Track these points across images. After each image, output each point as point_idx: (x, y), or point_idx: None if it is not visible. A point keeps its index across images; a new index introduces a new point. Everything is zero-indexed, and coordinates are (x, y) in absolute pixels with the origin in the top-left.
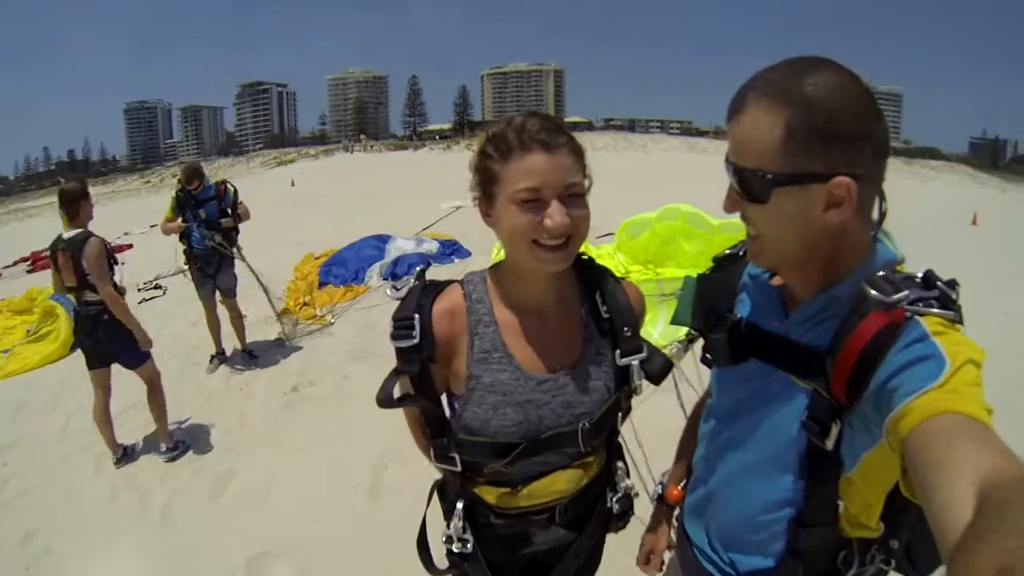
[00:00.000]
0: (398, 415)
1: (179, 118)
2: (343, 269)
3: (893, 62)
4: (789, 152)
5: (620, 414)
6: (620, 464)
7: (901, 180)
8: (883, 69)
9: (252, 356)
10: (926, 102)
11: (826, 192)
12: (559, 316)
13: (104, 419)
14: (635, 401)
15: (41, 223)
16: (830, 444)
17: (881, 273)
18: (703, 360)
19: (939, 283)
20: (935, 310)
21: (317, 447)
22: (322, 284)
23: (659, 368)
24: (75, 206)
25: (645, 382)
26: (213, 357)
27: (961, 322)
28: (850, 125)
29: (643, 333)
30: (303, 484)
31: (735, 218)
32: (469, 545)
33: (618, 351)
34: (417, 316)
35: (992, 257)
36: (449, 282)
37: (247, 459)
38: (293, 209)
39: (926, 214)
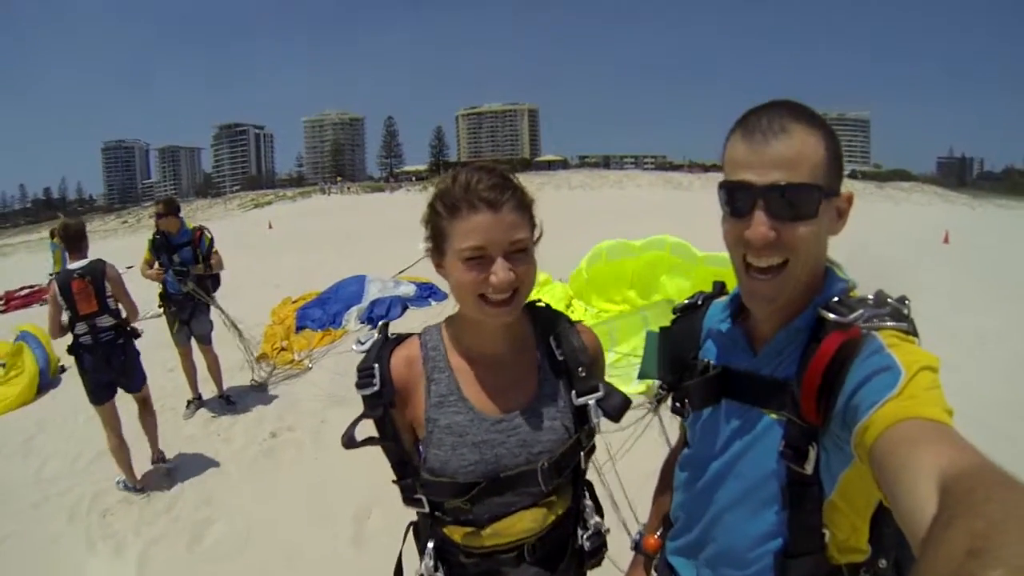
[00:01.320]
0: (380, 461)
1: (156, 158)
2: (321, 312)
3: (857, 87)
4: (830, 168)
5: (583, 453)
6: (588, 503)
7: (874, 203)
8: (848, 94)
9: (230, 401)
10: (893, 125)
11: (836, 204)
12: (513, 360)
13: (122, 449)
14: (619, 442)
15: (16, 262)
16: (809, 468)
17: (835, 299)
18: (673, 410)
19: (890, 300)
20: (888, 323)
21: (297, 494)
22: (299, 328)
23: (617, 406)
24: (82, 240)
25: (614, 422)
26: (190, 402)
27: (915, 333)
28: (841, 152)
29: (624, 364)
30: (283, 532)
31: (719, 252)
32: None
33: (574, 391)
34: (376, 365)
35: (965, 273)
36: (409, 335)
37: (225, 507)
38: (270, 251)
39: (899, 235)
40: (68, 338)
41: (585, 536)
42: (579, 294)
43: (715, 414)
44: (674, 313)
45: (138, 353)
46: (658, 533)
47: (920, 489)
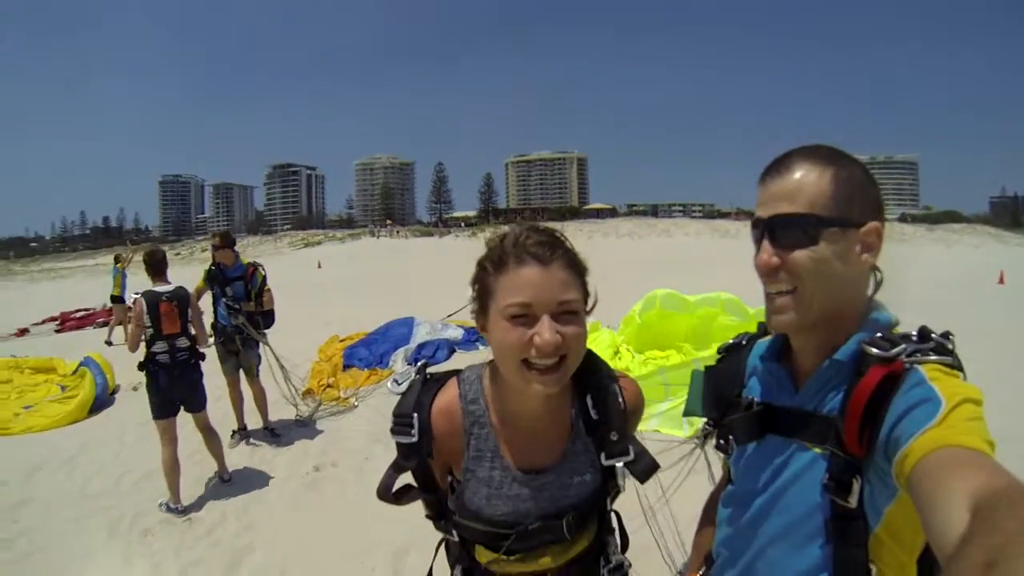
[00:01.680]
0: (419, 502)
1: (211, 194)
2: (368, 352)
3: (906, 130)
4: (836, 200)
5: (609, 499)
6: (611, 539)
7: (926, 246)
8: (896, 138)
9: (275, 434)
10: (942, 166)
11: (861, 237)
12: (549, 418)
13: (175, 468)
14: (667, 480)
15: (73, 285)
16: (853, 501)
17: (879, 335)
18: (717, 447)
19: (934, 335)
20: (932, 357)
21: (336, 528)
22: (346, 367)
23: (645, 470)
24: (165, 265)
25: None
26: (235, 432)
27: (960, 368)
28: (873, 189)
29: (676, 409)
30: (320, 564)
31: (709, 293)
32: None
33: (603, 453)
34: (416, 415)
35: (1022, 313)
36: (448, 375)
37: (265, 536)
38: (319, 290)
39: (951, 278)
40: (138, 356)
41: (608, 568)
42: (629, 340)
43: (758, 450)
44: (719, 353)
45: (202, 375)
46: (700, 572)
47: (952, 513)
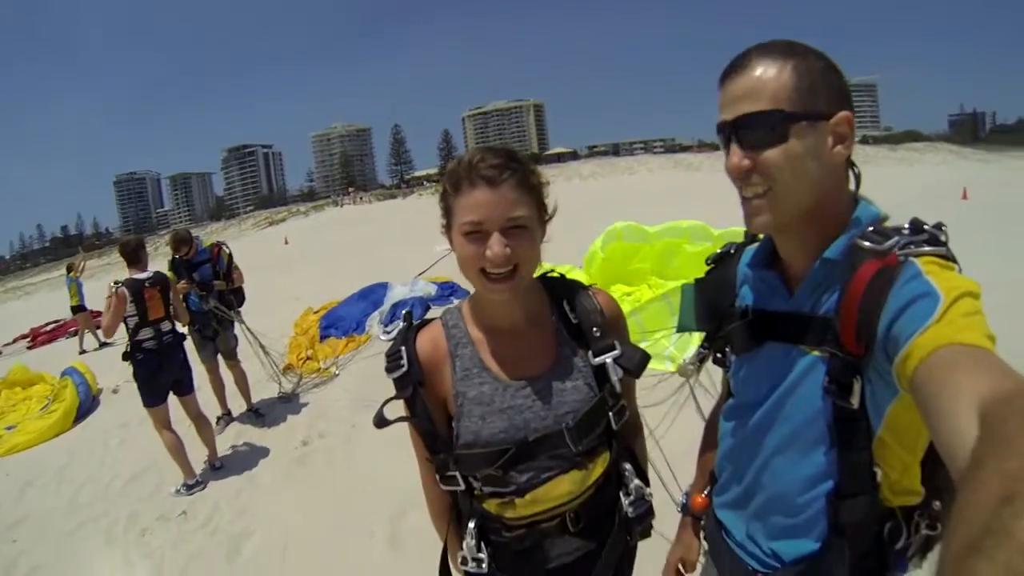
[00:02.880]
0: (413, 461)
1: (168, 187)
2: (343, 320)
3: (862, 52)
4: (800, 92)
5: (612, 414)
6: (628, 466)
7: (888, 167)
8: (853, 59)
9: (259, 414)
10: (900, 87)
11: (831, 128)
12: (530, 329)
13: (178, 445)
14: (657, 418)
15: (39, 299)
16: (855, 402)
17: (870, 229)
18: (715, 361)
19: (926, 226)
20: (926, 248)
21: (332, 499)
22: (323, 337)
23: (636, 362)
24: (139, 253)
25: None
26: (219, 418)
27: (955, 260)
28: (837, 77)
29: (657, 345)
30: (321, 537)
31: (737, 227)
32: (484, 564)
33: (590, 352)
34: (404, 348)
35: (988, 226)
36: (432, 319)
37: (262, 518)
38: (289, 266)
39: (916, 196)
40: (119, 350)
41: (628, 502)
42: (594, 276)
43: (757, 359)
44: (708, 263)
45: (187, 355)
46: (705, 492)
47: (959, 416)
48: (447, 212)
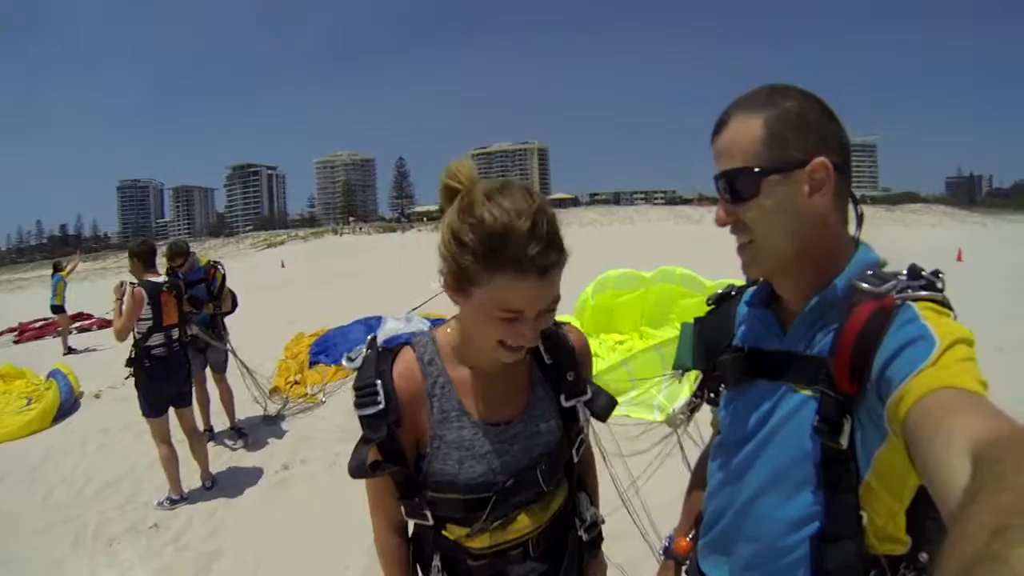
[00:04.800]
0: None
1: (170, 197)
2: (334, 348)
3: (864, 113)
4: (770, 146)
5: (574, 450)
6: (582, 495)
7: (885, 227)
8: (855, 121)
9: (242, 434)
10: (900, 148)
11: (807, 176)
12: (508, 369)
13: (172, 459)
14: (644, 467)
15: (31, 295)
16: (844, 442)
17: (869, 272)
18: (708, 401)
19: (924, 272)
20: (923, 293)
21: (308, 526)
22: (313, 363)
23: (603, 406)
24: (155, 256)
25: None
26: (201, 434)
27: (950, 307)
28: (817, 120)
29: (647, 395)
30: (293, 565)
31: (666, 267)
32: None
33: (562, 395)
34: (379, 382)
35: (980, 287)
36: (399, 345)
37: (234, 539)
38: (283, 290)
39: (911, 257)
40: (108, 361)
41: (584, 528)
42: (586, 326)
43: (746, 396)
44: (709, 304)
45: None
46: (690, 536)
47: (952, 458)
48: (466, 277)
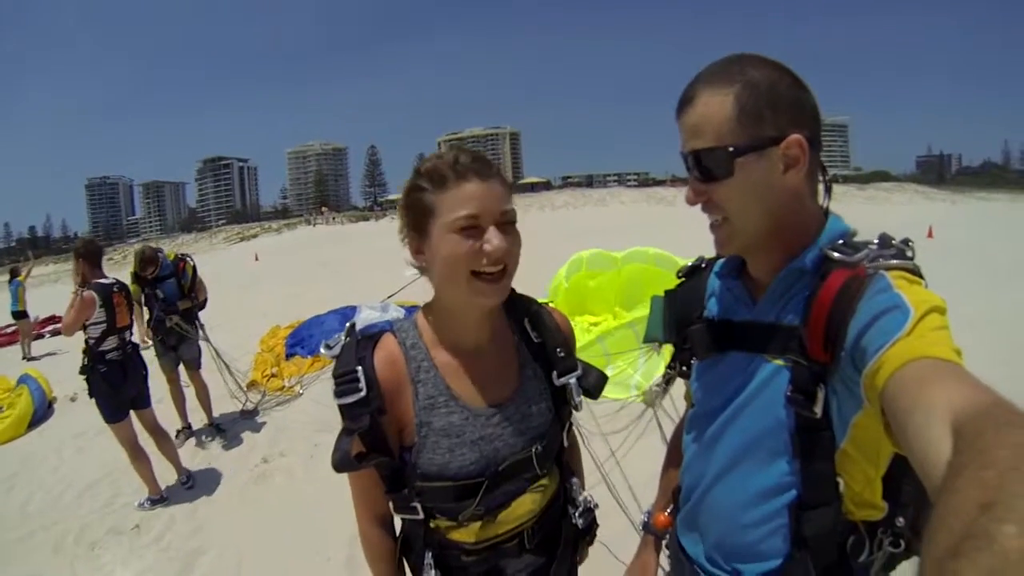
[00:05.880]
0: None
1: (141, 194)
2: (310, 340)
3: (836, 92)
4: (743, 123)
5: (564, 433)
6: (574, 480)
7: (856, 205)
8: (826, 100)
9: (220, 429)
10: (871, 127)
11: (781, 154)
12: (495, 349)
13: (143, 460)
14: (620, 443)
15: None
16: (818, 411)
17: (840, 242)
18: (681, 374)
19: (894, 242)
20: (894, 262)
21: (289, 520)
22: (289, 355)
23: (595, 382)
24: (101, 258)
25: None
26: (179, 432)
27: (921, 276)
28: (789, 92)
29: (622, 375)
30: (276, 559)
31: (638, 247)
32: None
33: (554, 372)
34: (360, 368)
35: (951, 264)
36: (380, 333)
37: (216, 536)
38: (258, 283)
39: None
40: (76, 364)
41: (577, 513)
42: (560, 307)
43: (719, 367)
44: (679, 276)
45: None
46: (668, 510)
47: (933, 430)
48: (423, 213)
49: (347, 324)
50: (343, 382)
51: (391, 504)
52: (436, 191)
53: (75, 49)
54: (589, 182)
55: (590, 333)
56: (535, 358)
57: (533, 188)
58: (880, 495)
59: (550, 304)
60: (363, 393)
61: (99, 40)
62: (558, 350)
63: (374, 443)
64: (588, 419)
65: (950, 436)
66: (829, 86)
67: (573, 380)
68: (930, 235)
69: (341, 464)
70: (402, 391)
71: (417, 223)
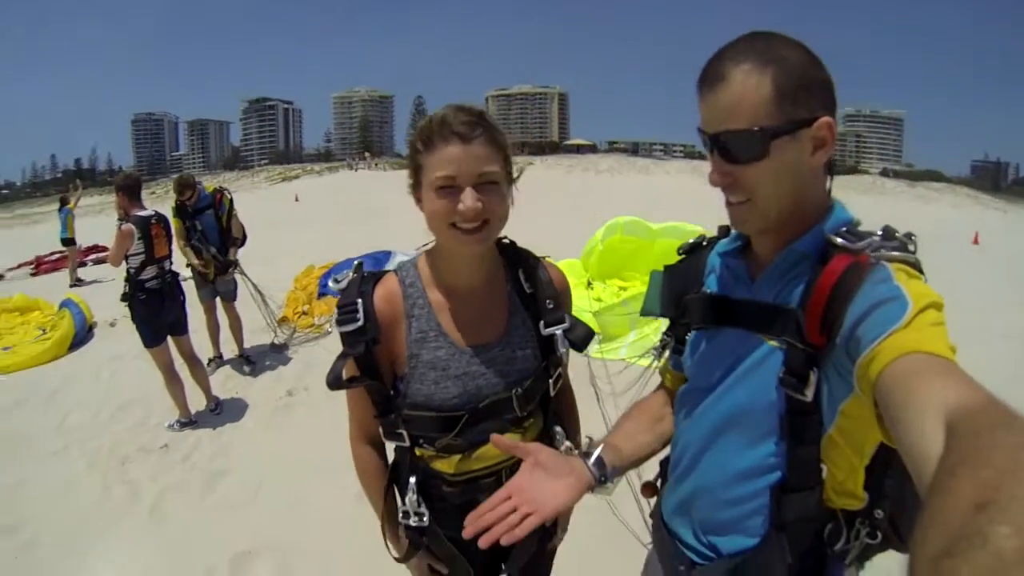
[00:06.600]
0: None
1: (185, 131)
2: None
3: (893, 84)
4: (780, 105)
5: (551, 381)
6: (558, 428)
7: (904, 202)
8: (883, 92)
9: (249, 361)
10: (928, 124)
11: (811, 136)
12: (486, 294)
13: (177, 384)
14: (609, 396)
15: (48, 229)
16: (809, 394)
17: (843, 228)
18: (675, 350)
19: (897, 234)
20: (896, 254)
21: (309, 448)
22: (321, 295)
23: (581, 336)
24: (140, 190)
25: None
26: (211, 361)
27: (921, 271)
28: (819, 73)
29: (646, 340)
30: (293, 484)
31: (674, 223)
32: (425, 518)
33: (541, 322)
34: (360, 301)
35: (993, 273)
36: (384, 272)
37: (239, 459)
38: (297, 224)
39: (927, 234)
40: (119, 291)
41: None
42: (592, 269)
43: (713, 343)
44: (679, 253)
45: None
46: (656, 479)
47: (925, 425)
48: (417, 170)
49: (355, 262)
50: (344, 312)
51: (381, 429)
52: (424, 151)
53: None
54: (635, 149)
55: (618, 296)
56: (525, 307)
57: (579, 150)
58: (861, 486)
59: (549, 260)
60: (360, 323)
61: None
62: (548, 302)
63: (367, 368)
64: (605, 381)
65: (942, 432)
66: (888, 72)
67: (559, 331)
68: (975, 241)
69: (334, 382)
70: (397, 324)
71: (414, 177)
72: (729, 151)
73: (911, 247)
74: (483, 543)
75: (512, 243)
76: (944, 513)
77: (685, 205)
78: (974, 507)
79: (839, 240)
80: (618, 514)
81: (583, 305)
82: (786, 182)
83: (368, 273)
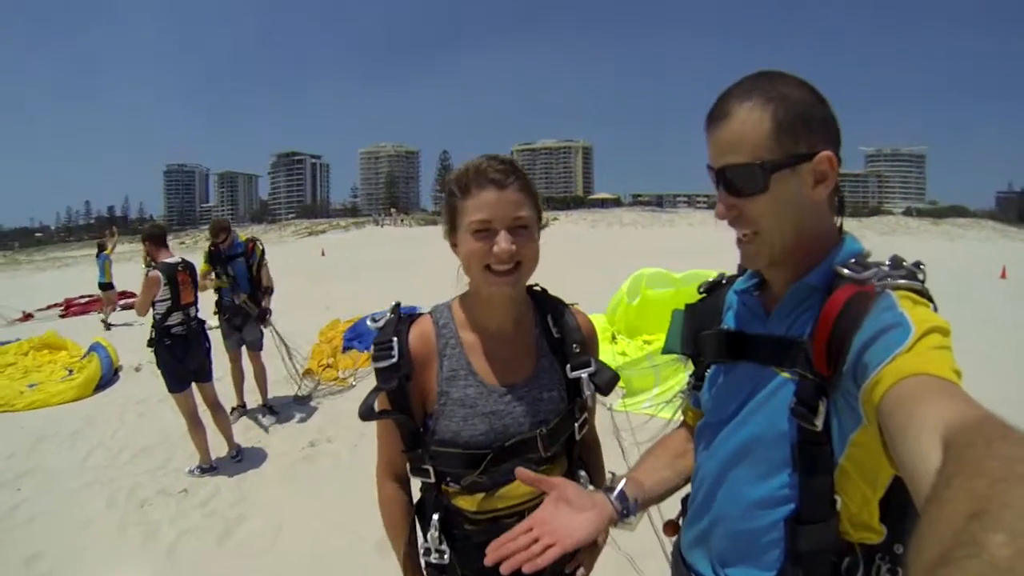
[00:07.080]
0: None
1: (215, 183)
2: (368, 335)
3: (915, 117)
4: (779, 139)
5: (577, 425)
6: (582, 473)
7: (929, 240)
8: (904, 128)
9: (272, 411)
10: (950, 158)
11: (812, 170)
12: (516, 336)
13: (199, 430)
14: (633, 447)
15: (78, 272)
16: (819, 423)
17: (851, 260)
18: (695, 387)
19: (905, 263)
20: (902, 282)
21: (330, 500)
22: (346, 348)
23: (606, 380)
24: (166, 239)
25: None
26: (234, 409)
27: (930, 299)
28: (820, 110)
29: (669, 392)
30: (312, 533)
31: (698, 270)
32: (446, 556)
33: (568, 366)
34: (395, 339)
35: (1021, 307)
36: (419, 314)
37: (259, 506)
38: (322, 277)
39: (953, 272)
40: (144, 335)
41: None
42: (618, 324)
43: (729, 377)
44: (700, 292)
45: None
46: (677, 517)
47: (923, 443)
48: (453, 214)
49: (393, 304)
50: (380, 349)
51: (408, 465)
52: (461, 196)
53: (161, 41)
54: (659, 201)
55: (642, 350)
56: (553, 351)
57: (603, 204)
58: (878, 519)
59: (578, 307)
60: (394, 359)
61: (185, 31)
62: (575, 346)
63: (398, 403)
64: (628, 431)
65: (940, 449)
66: (907, 111)
67: (585, 375)
68: (1003, 275)
69: (366, 413)
70: (429, 363)
71: (451, 222)
72: (733, 184)
73: (919, 275)
74: (505, 570)
75: (543, 290)
76: (940, 522)
77: (710, 255)
78: (968, 516)
79: (845, 271)
80: (621, 549)
81: (608, 359)
82: (788, 214)
83: (404, 314)
